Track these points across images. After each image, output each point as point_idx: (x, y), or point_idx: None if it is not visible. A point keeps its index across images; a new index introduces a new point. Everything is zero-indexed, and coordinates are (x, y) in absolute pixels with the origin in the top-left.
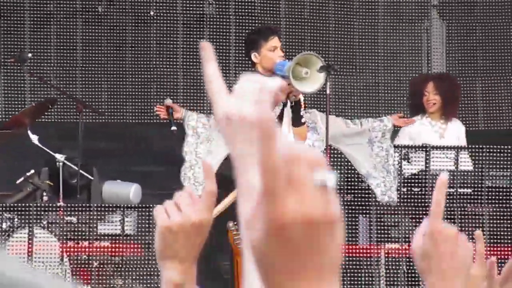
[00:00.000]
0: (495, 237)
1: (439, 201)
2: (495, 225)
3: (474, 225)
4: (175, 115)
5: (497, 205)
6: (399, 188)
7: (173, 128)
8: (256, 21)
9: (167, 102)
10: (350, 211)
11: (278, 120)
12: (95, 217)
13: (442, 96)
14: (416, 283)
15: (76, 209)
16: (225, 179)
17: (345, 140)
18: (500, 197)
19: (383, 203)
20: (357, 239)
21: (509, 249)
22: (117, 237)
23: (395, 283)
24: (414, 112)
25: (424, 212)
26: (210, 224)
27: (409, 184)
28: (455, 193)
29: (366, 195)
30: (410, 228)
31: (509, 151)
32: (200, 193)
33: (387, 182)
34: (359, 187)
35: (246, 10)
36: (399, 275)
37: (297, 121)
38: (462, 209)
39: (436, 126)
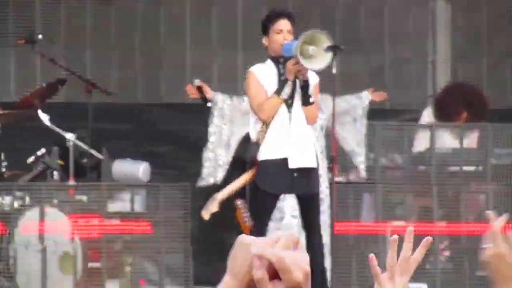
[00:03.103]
0: (498, 214)
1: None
2: (498, 202)
3: (478, 202)
4: (206, 96)
5: (501, 183)
6: (404, 166)
7: (209, 104)
8: (263, 3)
9: (197, 82)
10: (356, 188)
11: (290, 100)
12: (105, 195)
13: (469, 121)
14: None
15: (86, 187)
16: (239, 161)
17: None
18: (504, 175)
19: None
20: (360, 217)
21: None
22: (127, 215)
23: None
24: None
25: (427, 191)
26: None
27: (414, 162)
28: (459, 171)
29: (372, 173)
30: (414, 206)
31: None
32: (218, 175)
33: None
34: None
35: None
36: None
37: (305, 101)
38: (467, 186)
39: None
